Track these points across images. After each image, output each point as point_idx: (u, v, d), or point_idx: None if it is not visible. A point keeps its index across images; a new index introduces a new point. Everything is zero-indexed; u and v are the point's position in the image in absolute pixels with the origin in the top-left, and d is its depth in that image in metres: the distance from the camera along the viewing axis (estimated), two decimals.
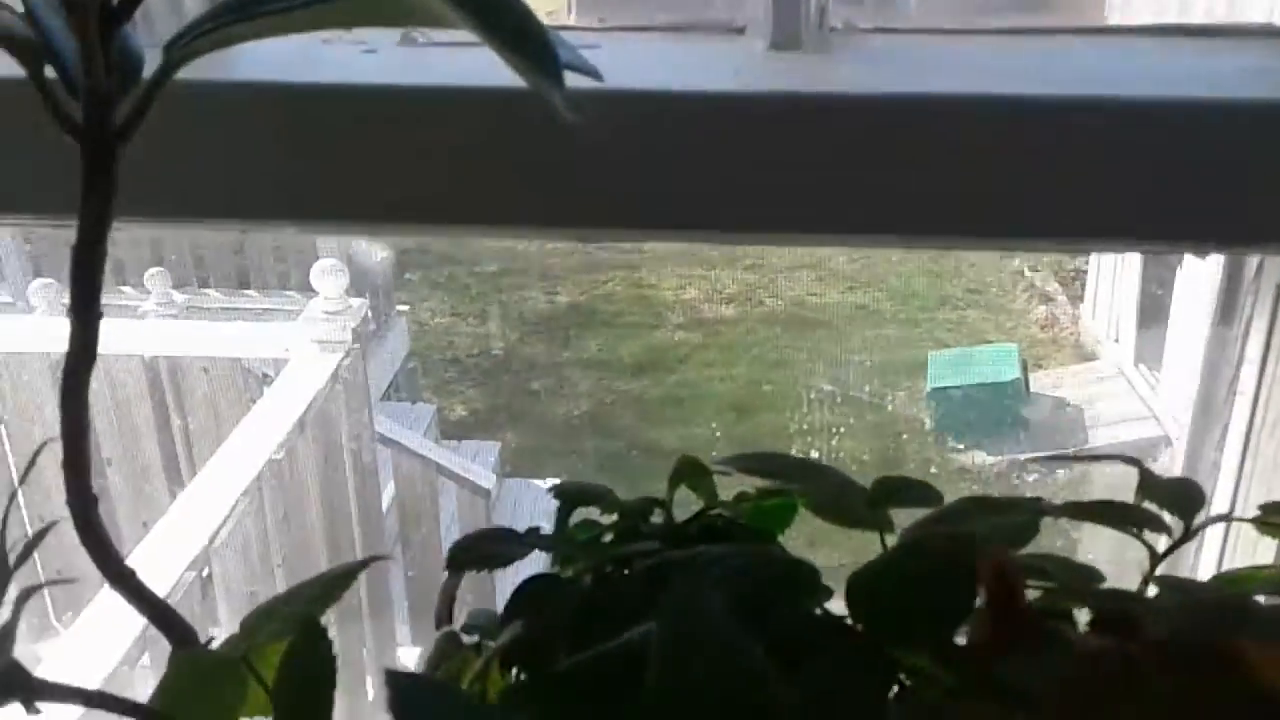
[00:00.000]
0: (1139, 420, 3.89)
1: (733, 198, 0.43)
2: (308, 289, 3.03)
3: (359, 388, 2.62)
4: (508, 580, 0.37)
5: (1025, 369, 4.11)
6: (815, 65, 0.43)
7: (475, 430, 4.38)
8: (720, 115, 0.42)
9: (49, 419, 2.82)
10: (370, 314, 4.08)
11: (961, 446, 3.97)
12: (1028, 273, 4.96)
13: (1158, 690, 0.19)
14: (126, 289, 4.24)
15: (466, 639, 0.36)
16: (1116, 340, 4.34)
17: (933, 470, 3.94)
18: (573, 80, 0.28)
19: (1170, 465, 3.59)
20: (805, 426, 4.20)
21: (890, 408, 4.29)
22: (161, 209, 0.40)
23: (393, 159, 0.42)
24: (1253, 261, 0.56)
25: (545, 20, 0.26)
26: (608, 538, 0.39)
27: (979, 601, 0.28)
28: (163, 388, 2.76)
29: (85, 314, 0.28)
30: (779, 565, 0.31)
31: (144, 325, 3.03)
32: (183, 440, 2.80)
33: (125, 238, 4.29)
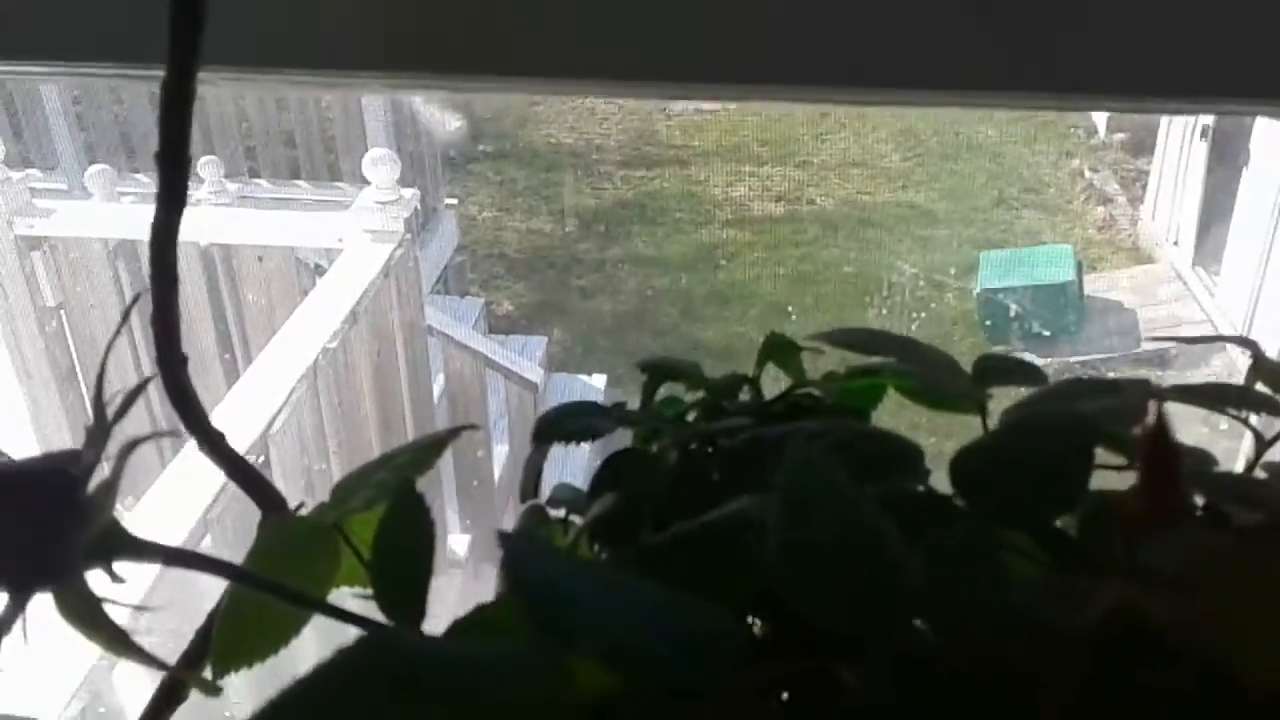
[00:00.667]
0: (1195, 324, 3.81)
1: (801, 46, 0.41)
2: (357, 180, 3.02)
3: (411, 278, 2.63)
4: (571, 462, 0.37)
5: (1080, 271, 4.03)
6: None
7: (522, 325, 4.40)
8: None
9: (107, 304, 2.86)
10: (419, 208, 4.08)
11: (1013, 348, 3.93)
12: (1087, 173, 4.83)
13: None
14: None
15: (553, 512, 0.35)
16: (1176, 243, 4.23)
17: None
18: None
19: (1227, 371, 3.53)
20: (856, 322, 4.15)
21: (942, 306, 4.24)
22: (244, 57, 0.38)
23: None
24: None
25: None
26: (691, 416, 0.39)
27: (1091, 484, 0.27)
28: (217, 275, 2.79)
29: (174, 160, 0.27)
30: (881, 441, 0.30)
31: (198, 213, 3.04)
32: (238, 328, 2.83)
33: None
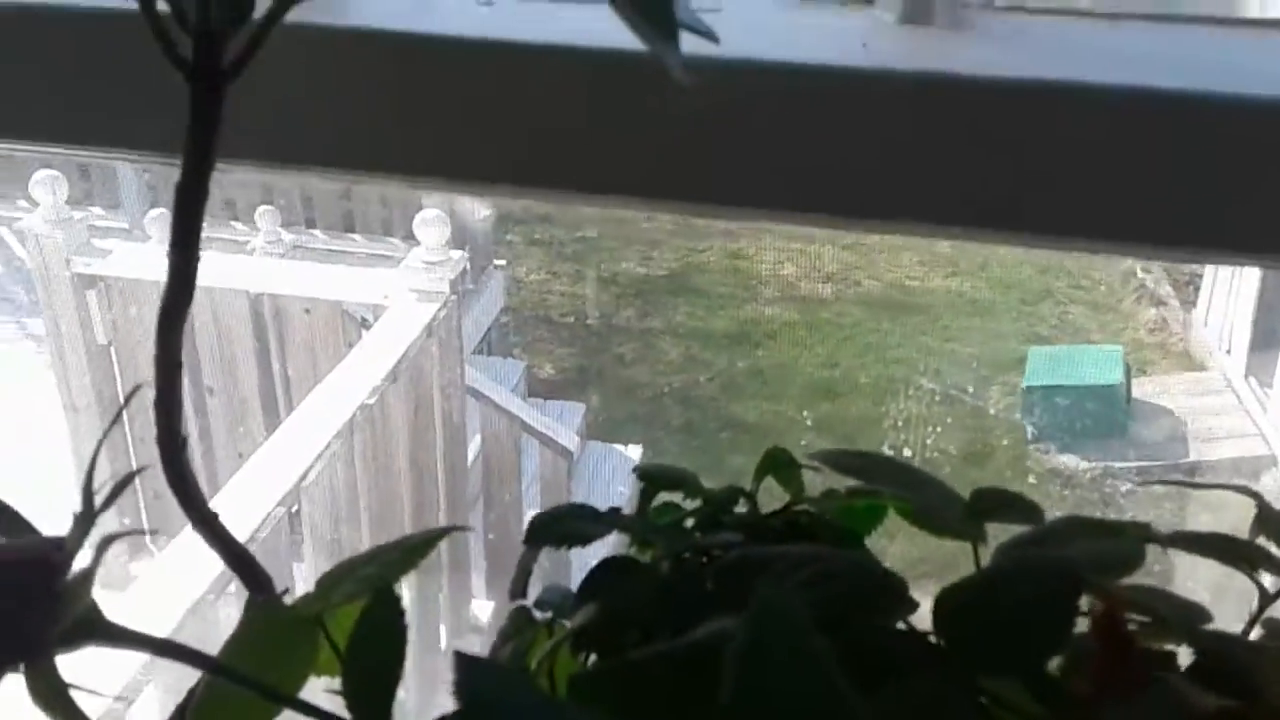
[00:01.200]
0: (1246, 437, 3.74)
1: (844, 180, 0.41)
2: (410, 236, 3.07)
3: (452, 340, 2.66)
4: (586, 553, 0.37)
5: (1129, 374, 3.97)
6: (946, 42, 0.41)
7: (562, 390, 4.42)
8: (840, 90, 0.40)
9: (152, 340, 2.92)
10: (468, 267, 4.13)
11: (1055, 448, 3.87)
12: (1140, 273, 4.79)
13: None
14: (237, 225, 4.36)
15: (539, 614, 0.35)
16: (1228, 351, 4.16)
17: (1025, 469, 3.85)
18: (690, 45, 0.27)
19: (1277, 486, 3.45)
20: (893, 414, 4.14)
21: (983, 401, 4.19)
22: (266, 152, 0.40)
23: (499, 116, 0.41)
24: None
25: None
26: (689, 523, 0.39)
27: (1078, 633, 0.27)
28: (265, 324, 2.84)
29: (185, 251, 0.28)
30: (866, 575, 0.30)
31: (251, 261, 3.11)
32: (281, 377, 2.87)
33: (235, 178, 4.40)
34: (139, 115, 0.39)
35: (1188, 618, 0.28)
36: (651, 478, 0.36)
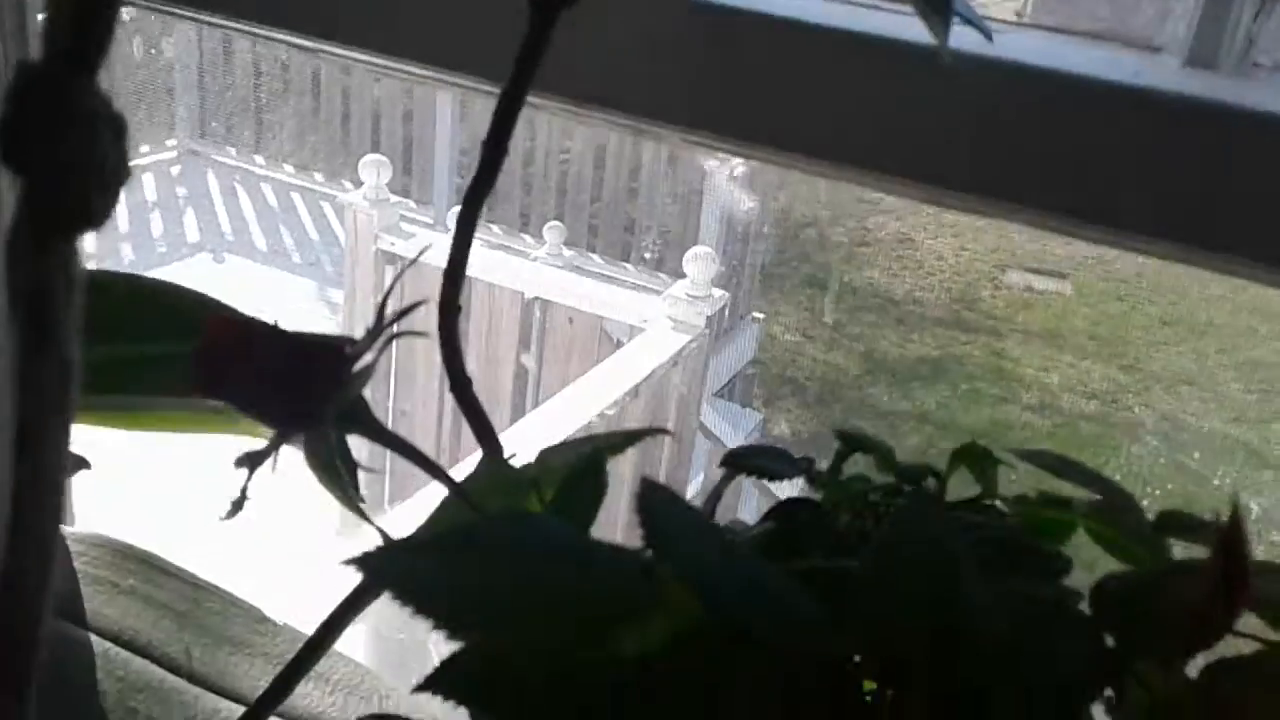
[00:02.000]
0: None
1: (1118, 193, 0.42)
2: (679, 273, 3.18)
3: (697, 373, 2.73)
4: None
5: None
6: (1229, 88, 0.42)
7: (794, 449, 4.40)
8: (1121, 108, 0.41)
9: (429, 326, 3.16)
10: (728, 311, 4.22)
11: None
12: None
13: None
14: (527, 236, 4.66)
15: None
16: None
17: None
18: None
19: None
20: None
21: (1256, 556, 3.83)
22: (573, 90, 0.45)
23: (792, 90, 0.45)
24: None
25: None
26: (874, 497, 0.41)
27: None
28: (531, 325, 3.02)
29: (491, 150, 0.33)
30: (1029, 545, 0.31)
31: (531, 267, 3.31)
32: (534, 377, 3.04)
33: (539, 182, 4.69)
34: (464, 36, 0.46)
35: None
36: (848, 438, 0.39)
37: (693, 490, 3.05)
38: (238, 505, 0.29)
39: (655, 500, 0.23)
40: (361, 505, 0.29)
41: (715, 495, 0.39)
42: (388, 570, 0.19)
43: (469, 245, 0.36)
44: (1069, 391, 4.83)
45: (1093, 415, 4.67)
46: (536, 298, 3.00)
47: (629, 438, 0.34)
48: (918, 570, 0.22)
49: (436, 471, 0.30)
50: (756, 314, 4.68)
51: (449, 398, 2.60)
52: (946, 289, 5.38)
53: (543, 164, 4.77)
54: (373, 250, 3.18)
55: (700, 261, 2.73)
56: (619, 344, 2.89)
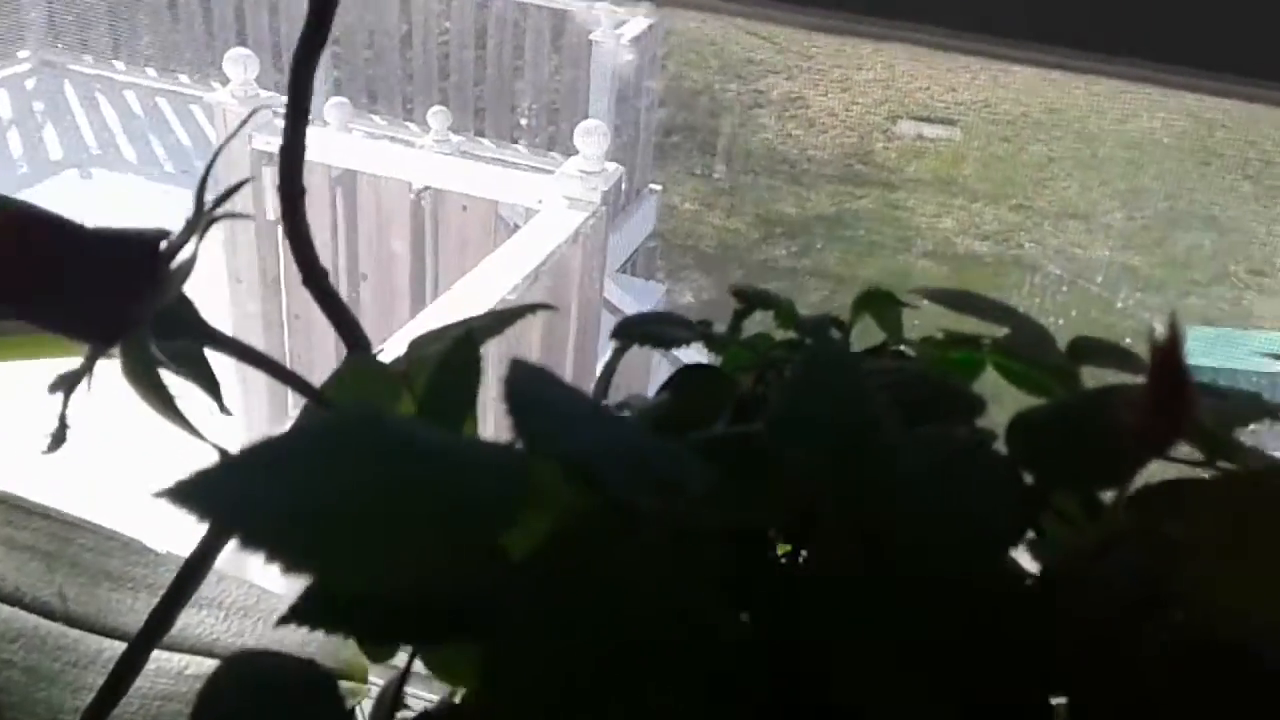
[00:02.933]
0: None
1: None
2: (572, 153, 3.10)
3: (597, 251, 2.68)
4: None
5: None
6: None
7: (700, 317, 4.42)
8: None
9: (319, 225, 3.04)
10: (624, 186, 4.15)
11: None
12: None
13: None
14: (411, 125, 4.49)
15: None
16: None
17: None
18: None
19: None
20: None
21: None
22: None
23: None
24: None
25: None
26: (779, 353, 0.38)
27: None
28: (423, 216, 2.92)
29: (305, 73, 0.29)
30: (941, 385, 0.29)
31: (418, 155, 3.20)
32: (432, 269, 2.96)
33: (420, 68, 4.51)
34: None
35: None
36: (745, 296, 0.36)
37: (600, 367, 3.03)
38: (58, 437, 0.26)
39: (523, 381, 0.21)
40: (191, 423, 0.25)
41: (609, 370, 0.36)
42: (204, 497, 0.16)
43: (305, 117, 0.31)
44: (963, 235, 4.91)
45: (987, 256, 4.77)
46: (426, 187, 2.90)
47: (502, 318, 0.31)
48: (823, 422, 0.20)
49: (283, 374, 0.27)
50: (654, 185, 4.62)
51: (413, 262, 2.52)
52: (839, 144, 5.37)
53: (421, 48, 4.57)
54: (248, 150, 3.02)
55: (591, 136, 2.66)
56: (515, 228, 2.82)
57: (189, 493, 0.16)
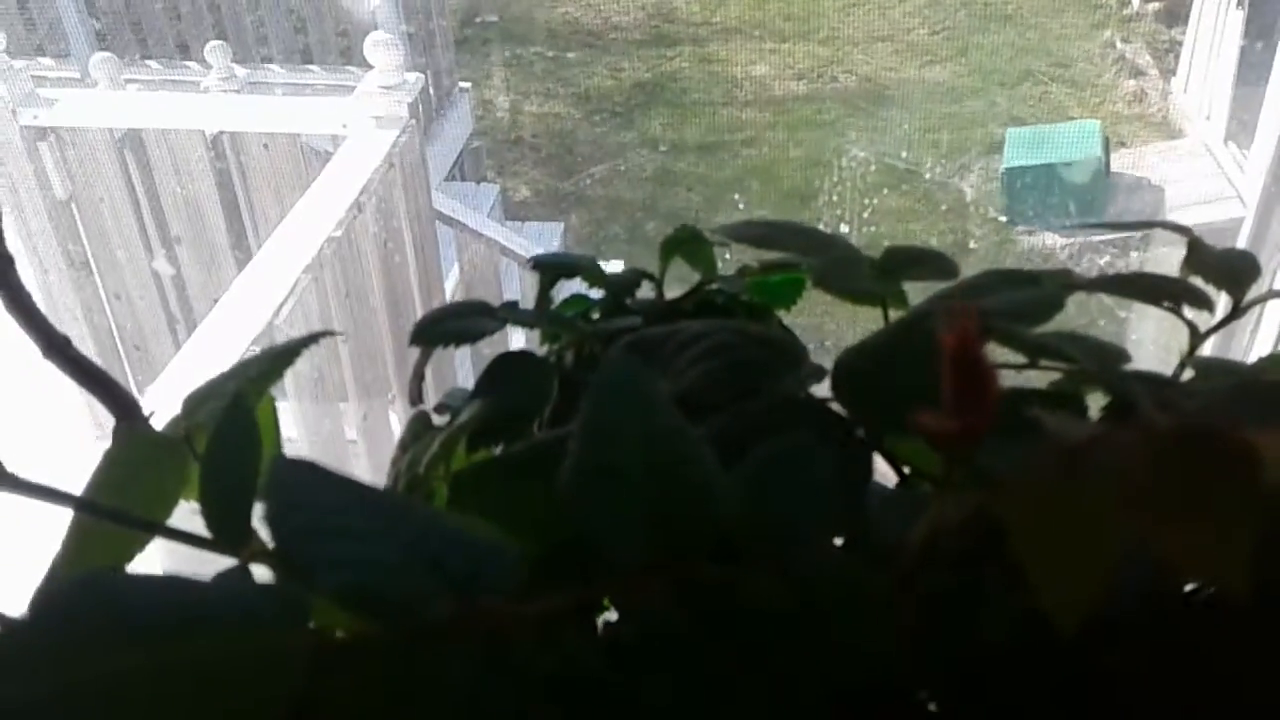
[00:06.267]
0: (1223, 200, 3.70)
1: None
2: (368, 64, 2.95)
3: (417, 166, 2.58)
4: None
5: (1107, 147, 3.90)
6: None
7: (539, 212, 4.35)
8: None
9: (116, 196, 2.84)
10: (431, 92, 3.99)
11: (1032, 228, 3.84)
12: (1119, 44, 4.65)
13: (1142, 481, 0.16)
14: (190, 64, 4.20)
15: (437, 419, 0.33)
16: (1208, 118, 4.08)
17: (1005, 253, 3.84)
18: None
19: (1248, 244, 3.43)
20: (876, 208, 4.09)
21: (963, 187, 4.14)
22: None
23: None
24: None
25: None
26: (596, 314, 0.36)
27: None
28: (227, 165, 2.76)
29: None
30: (763, 345, 0.27)
31: (205, 100, 3.00)
32: (249, 219, 2.81)
33: (187, 9, 4.21)
34: None
35: (1101, 358, 0.26)
36: (545, 266, 0.34)
37: (451, 284, 2.96)
38: None
39: (283, 487, 0.18)
40: None
41: (417, 375, 0.33)
42: None
43: None
44: (778, 78, 4.92)
45: (805, 95, 4.80)
46: (221, 132, 2.73)
47: (277, 360, 0.28)
48: (628, 474, 0.18)
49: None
50: (462, 84, 4.46)
51: (226, 215, 2.36)
52: (641, 7, 5.27)
53: None
54: (17, 128, 2.78)
55: (382, 48, 2.53)
56: (328, 155, 2.69)
57: None
